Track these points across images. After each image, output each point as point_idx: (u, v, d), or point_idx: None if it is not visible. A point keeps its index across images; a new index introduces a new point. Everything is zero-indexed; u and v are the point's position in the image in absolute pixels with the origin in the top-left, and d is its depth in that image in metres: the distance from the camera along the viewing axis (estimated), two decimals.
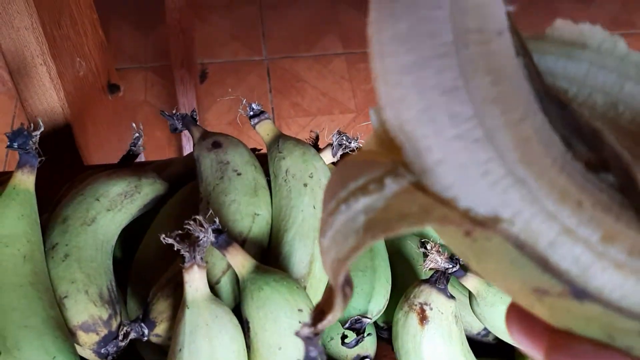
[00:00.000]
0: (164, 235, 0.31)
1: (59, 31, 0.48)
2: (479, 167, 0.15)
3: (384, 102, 0.16)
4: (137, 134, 0.43)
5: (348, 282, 0.17)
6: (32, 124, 0.35)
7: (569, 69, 0.18)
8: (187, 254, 0.31)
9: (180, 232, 0.32)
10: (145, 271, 0.39)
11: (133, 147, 0.44)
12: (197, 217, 0.32)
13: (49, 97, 0.47)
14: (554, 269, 0.15)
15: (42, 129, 0.35)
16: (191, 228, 0.32)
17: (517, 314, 0.17)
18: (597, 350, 0.16)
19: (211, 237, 0.32)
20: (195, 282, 0.31)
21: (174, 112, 0.43)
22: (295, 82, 1.37)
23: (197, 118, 0.43)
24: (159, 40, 1.38)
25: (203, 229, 0.32)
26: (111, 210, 0.38)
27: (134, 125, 0.44)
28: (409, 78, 0.15)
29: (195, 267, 0.31)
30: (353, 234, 0.16)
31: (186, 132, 0.42)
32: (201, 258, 0.32)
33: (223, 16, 1.45)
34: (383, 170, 0.16)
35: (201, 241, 0.32)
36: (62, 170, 0.47)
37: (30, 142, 0.35)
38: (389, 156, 0.17)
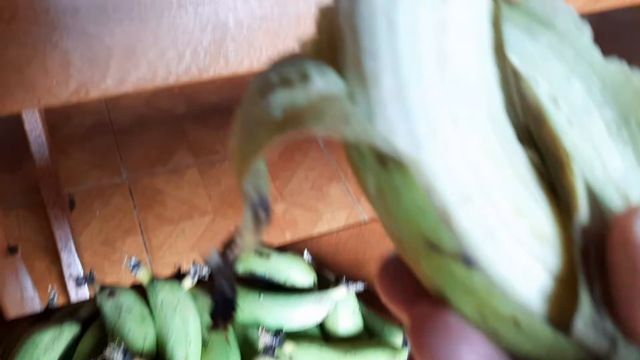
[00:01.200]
0: None
1: None
2: (419, 90, 0.14)
3: None
4: (52, 293, 0.63)
5: (263, 204, 0.16)
6: None
7: (526, 46, 0.17)
8: None
9: (101, 356, 0.52)
10: None
11: (50, 304, 0.63)
12: (112, 343, 0.52)
13: None
14: (455, 226, 0.14)
15: None
16: (107, 354, 0.52)
17: (389, 272, 0.17)
18: (462, 328, 0.15)
19: (121, 357, 0.53)
20: None
21: (79, 276, 0.63)
22: (157, 196, 1.57)
23: (95, 276, 0.63)
24: (25, 178, 1.52)
25: (115, 353, 0.52)
26: (47, 352, 0.57)
27: (49, 288, 0.63)
28: None
29: None
30: (264, 129, 0.15)
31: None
32: None
33: (81, 147, 1.63)
34: (313, 65, 0.15)
35: None
36: None
37: None
38: (323, 56, 0.15)
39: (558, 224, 0.15)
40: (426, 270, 0.15)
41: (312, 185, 1.65)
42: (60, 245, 1.25)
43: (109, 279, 1.38)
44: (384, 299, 0.17)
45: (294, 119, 0.14)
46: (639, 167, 0.16)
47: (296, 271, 0.67)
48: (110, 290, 0.61)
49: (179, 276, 0.67)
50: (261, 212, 0.15)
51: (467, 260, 0.14)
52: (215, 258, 0.17)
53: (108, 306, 0.60)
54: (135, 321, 0.59)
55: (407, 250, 0.16)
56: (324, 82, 0.14)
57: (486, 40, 0.15)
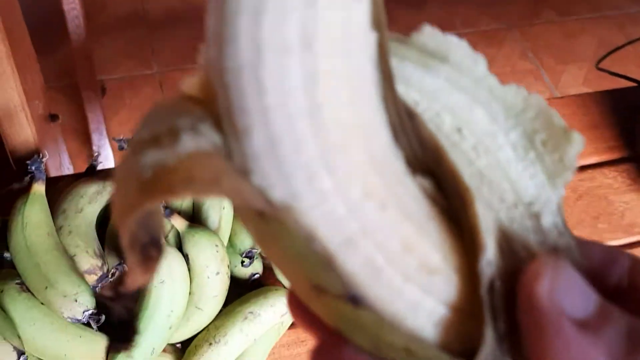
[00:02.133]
0: None
1: (26, 85, 0.70)
2: (291, 143, 0.14)
3: (210, 36, 0.14)
4: (96, 153, 0.66)
5: (154, 242, 0.15)
6: (39, 154, 0.58)
7: (425, 82, 0.17)
8: None
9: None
10: (114, 238, 0.62)
11: (94, 163, 0.66)
12: None
13: (26, 133, 0.69)
14: (338, 269, 0.14)
15: (47, 157, 0.58)
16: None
17: (297, 299, 0.17)
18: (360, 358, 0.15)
19: (161, 210, 0.56)
20: None
21: (120, 137, 0.66)
22: None
23: None
24: (60, 61, 1.55)
25: None
26: (91, 202, 0.61)
27: (94, 148, 0.66)
28: (246, 19, 0.13)
29: None
30: (136, 190, 0.14)
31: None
32: None
33: (114, 37, 1.64)
34: (185, 122, 0.14)
35: None
36: None
37: (41, 165, 0.57)
38: (205, 105, 0.15)
39: (458, 254, 0.16)
40: (317, 309, 0.16)
41: None
42: (92, 127, 1.29)
43: None
44: (296, 321, 0.18)
45: (162, 181, 0.14)
46: (549, 184, 0.17)
47: None
48: None
49: None
50: (152, 250, 0.15)
51: (354, 300, 0.14)
52: (107, 292, 0.15)
53: None
54: None
55: (297, 291, 0.16)
56: (193, 140, 0.14)
57: (368, 83, 0.15)
